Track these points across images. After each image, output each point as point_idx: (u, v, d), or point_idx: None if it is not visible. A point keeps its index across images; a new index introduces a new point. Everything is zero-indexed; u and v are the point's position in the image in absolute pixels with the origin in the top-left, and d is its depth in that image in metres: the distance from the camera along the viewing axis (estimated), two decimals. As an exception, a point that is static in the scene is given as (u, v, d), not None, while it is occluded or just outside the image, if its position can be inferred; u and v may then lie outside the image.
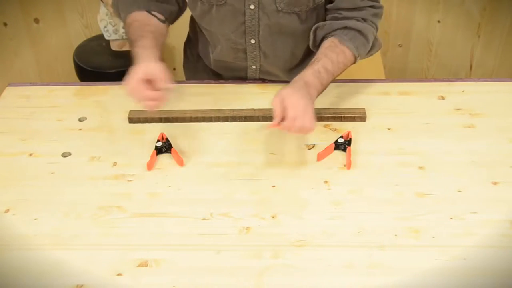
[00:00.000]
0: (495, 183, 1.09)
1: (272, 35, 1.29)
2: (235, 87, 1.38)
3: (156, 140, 1.18)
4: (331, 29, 1.23)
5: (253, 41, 1.30)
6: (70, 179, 1.12)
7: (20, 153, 1.18)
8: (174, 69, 2.34)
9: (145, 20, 1.25)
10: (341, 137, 1.18)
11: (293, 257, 0.94)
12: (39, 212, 1.04)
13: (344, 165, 1.14)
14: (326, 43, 1.22)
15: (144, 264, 0.94)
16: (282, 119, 1.05)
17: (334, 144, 1.17)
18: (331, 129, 1.24)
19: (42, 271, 0.93)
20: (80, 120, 1.27)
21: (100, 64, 2.09)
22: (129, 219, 1.02)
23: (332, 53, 1.19)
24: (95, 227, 1.01)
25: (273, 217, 1.02)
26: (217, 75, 1.46)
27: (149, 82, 1.08)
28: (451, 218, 1.01)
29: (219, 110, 1.27)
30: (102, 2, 2.02)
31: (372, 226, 1.00)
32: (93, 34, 2.33)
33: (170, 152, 1.16)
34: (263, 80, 1.40)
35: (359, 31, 1.22)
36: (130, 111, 1.28)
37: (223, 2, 1.22)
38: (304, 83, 1.11)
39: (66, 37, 2.36)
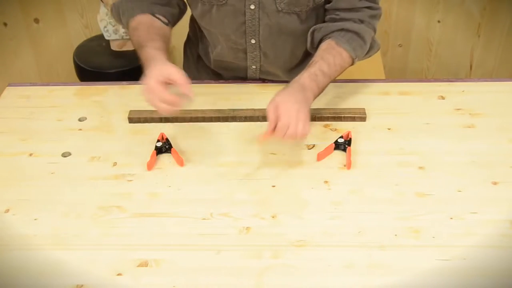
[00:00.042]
0: (495, 183, 1.09)
1: (272, 35, 1.29)
2: (235, 87, 1.38)
3: (156, 140, 1.18)
4: (328, 31, 1.24)
5: (253, 41, 1.30)
6: (70, 179, 1.12)
7: (20, 153, 1.18)
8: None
9: (151, 23, 1.25)
10: (341, 137, 1.18)
11: (293, 257, 0.94)
12: (39, 212, 1.04)
13: (344, 165, 1.14)
14: (324, 45, 1.22)
15: (144, 264, 0.94)
16: (276, 127, 1.05)
17: (334, 144, 1.17)
18: (331, 129, 1.24)
19: (42, 271, 0.93)
20: (80, 120, 1.27)
21: (100, 64, 2.09)
22: (129, 219, 1.02)
23: (329, 55, 1.19)
24: (95, 227, 1.01)
25: (273, 217, 1.02)
26: (217, 75, 1.46)
27: (166, 85, 1.07)
28: (451, 218, 1.01)
29: (219, 110, 1.27)
30: (102, 2, 2.02)
31: (372, 226, 1.00)
32: (93, 34, 2.33)
33: (170, 152, 1.16)
34: (263, 80, 1.40)
35: (356, 33, 1.22)
36: (130, 111, 1.28)
37: (223, 2, 1.22)
38: (300, 86, 1.12)
39: (66, 37, 2.36)
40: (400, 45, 2.40)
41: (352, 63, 1.24)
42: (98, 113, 1.30)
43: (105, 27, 2.08)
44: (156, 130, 1.22)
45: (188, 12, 1.37)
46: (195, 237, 0.99)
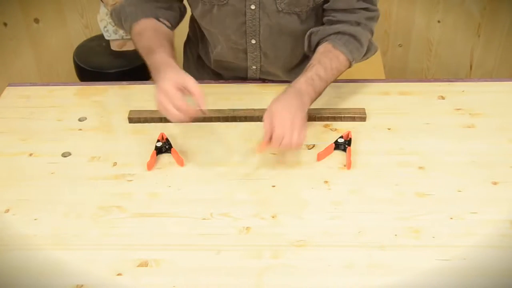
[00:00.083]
0: (495, 183, 1.09)
1: (273, 36, 1.29)
2: (235, 87, 1.38)
3: (156, 140, 1.18)
4: (325, 34, 1.24)
5: (253, 42, 1.30)
6: (70, 179, 1.12)
7: (20, 153, 1.18)
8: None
9: (157, 28, 1.24)
10: (341, 137, 1.18)
11: (293, 257, 0.94)
12: (39, 212, 1.04)
13: (344, 165, 1.14)
14: (321, 49, 1.22)
15: (144, 264, 0.94)
16: (271, 137, 1.06)
17: (334, 144, 1.17)
18: (331, 129, 1.24)
19: (42, 271, 0.93)
20: (80, 120, 1.27)
21: (100, 64, 2.09)
22: (129, 219, 1.02)
23: (325, 58, 1.20)
24: (95, 227, 1.01)
25: (273, 217, 1.02)
26: (217, 75, 1.46)
27: (182, 92, 1.06)
28: (451, 218, 1.01)
29: (219, 110, 1.27)
30: (102, 2, 2.02)
31: (372, 226, 1.00)
32: (93, 34, 2.33)
33: (170, 152, 1.16)
34: (263, 80, 1.40)
35: (353, 36, 1.22)
36: (130, 111, 1.28)
37: (224, 2, 1.22)
38: (297, 91, 1.12)
39: (66, 37, 2.36)
40: (400, 45, 2.40)
41: (350, 66, 1.25)
42: (98, 113, 1.30)
43: (105, 27, 2.07)
44: (156, 130, 1.22)
45: (188, 12, 1.37)
46: (195, 237, 0.99)
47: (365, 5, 1.23)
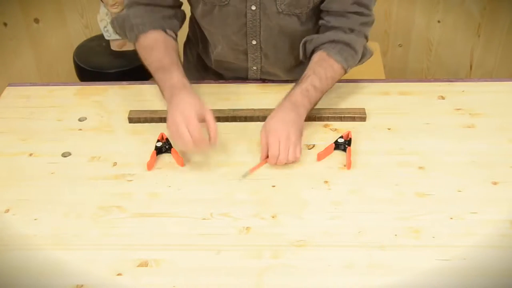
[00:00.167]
0: (495, 183, 1.09)
1: (273, 37, 1.29)
2: (235, 87, 1.38)
3: (156, 140, 1.18)
4: (319, 42, 1.24)
5: (254, 42, 1.30)
6: (70, 179, 1.12)
7: (20, 153, 1.18)
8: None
9: (167, 42, 1.24)
10: (341, 137, 1.18)
11: (293, 257, 0.94)
12: (39, 212, 1.04)
13: (344, 165, 1.14)
14: (315, 57, 1.23)
15: (144, 264, 0.94)
16: (267, 155, 1.11)
17: (334, 144, 1.17)
18: (331, 129, 1.24)
19: (42, 271, 0.93)
20: (80, 120, 1.27)
21: (100, 64, 2.09)
22: (129, 219, 1.02)
23: (320, 68, 1.21)
24: (95, 227, 1.01)
25: (273, 217, 1.02)
26: (217, 75, 1.46)
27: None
28: (451, 218, 1.01)
29: (219, 110, 1.27)
30: (102, 2, 2.02)
31: (372, 226, 1.00)
32: (93, 34, 2.33)
33: (170, 152, 1.16)
34: (263, 80, 1.40)
35: (347, 44, 1.23)
36: (130, 111, 1.28)
37: (225, 2, 1.22)
38: (292, 104, 1.15)
39: (66, 37, 2.36)
40: (400, 45, 2.40)
41: (345, 73, 1.26)
42: (98, 113, 1.30)
43: (105, 27, 2.07)
44: (156, 130, 1.22)
45: (188, 12, 1.37)
46: (195, 237, 0.99)
47: (359, 9, 1.23)
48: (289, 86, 1.24)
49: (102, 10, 2.07)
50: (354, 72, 1.33)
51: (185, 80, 1.16)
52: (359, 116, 1.26)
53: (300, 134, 1.13)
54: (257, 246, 0.97)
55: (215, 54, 1.37)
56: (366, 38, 1.27)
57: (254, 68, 1.37)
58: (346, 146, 1.16)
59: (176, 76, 1.16)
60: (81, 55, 2.14)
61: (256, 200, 1.06)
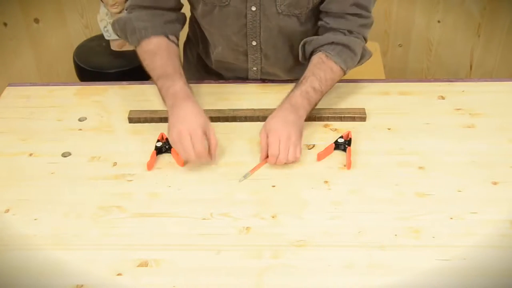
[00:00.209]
0: (495, 183, 1.09)
1: (273, 37, 1.29)
2: (235, 87, 1.38)
3: (156, 140, 1.18)
4: (318, 44, 1.25)
5: (254, 43, 1.30)
6: (70, 179, 1.12)
7: (20, 153, 1.18)
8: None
9: (169, 48, 1.24)
10: (341, 137, 1.18)
11: (293, 257, 0.94)
12: (39, 212, 1.04)
13: (344, 165, 1.14)
14: (314, 59, 1.23)
15: (144, 264, 0.94)
16: (267, 155, 1.11)
17: (334, 144, 1.17)
18: (331, 129, 1.24)
19: (42, 271, 0.93)
20: (80, 120, 1.27)
21: (100, 64, 2.08)
22: (129, 219, 1.02)
23: (319, 70, 1.21)
24: (95, 227, 1.01)
25: (273, 217, 1.02)
26: (217, 75, 1.45)
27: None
28: (451, 218, 1.01)
29: (219, 110, 1.27)
30: (102, 2, 2.02)
31: (372, 226, 1.00)
32: (93, 34, 2.33)
33: (170, 152, 1.16)
34: (263, 80, 1.40)
35: (346, 46, 1.23)
36: (130, 111, 1.28)
37: (226, 3, 1.22)
38: (292, 106, 1.15)
39: (66, 37, 2.36)
40: (400, 45, 2.40)
41: (344, 74, 1.26)
42: (98, 113, 1.30)
43: (105, 27, 2.07)
44: (156, 130, 1.22)
45: (188, 13, 1.37)
46: (195, 237, 0.99)
47: (358, 11, 1.23)
48: (289, 86, 1.24)
49: (102, 10, 2.07)
50: (354, 72, 1.33)
51: (187, 89, 1.17)
52: (359, 116, 1.26)
53: (300, 135, 1.14)
54: (257, 246, 0.97)
55: (215, 54, 1.37)
56: (365, 39, 1.27)
57: (254, 68, 1.37)
58: (346, 146, 1.16)
59: (178, 84, 1.17)
60: (81, 55, 2.14)
61: (256, 200, 1.06)
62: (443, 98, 1.33)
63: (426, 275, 0.91)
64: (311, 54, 1.26)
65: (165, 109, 1.22)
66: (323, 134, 1.22)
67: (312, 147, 1.18)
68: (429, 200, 1.05)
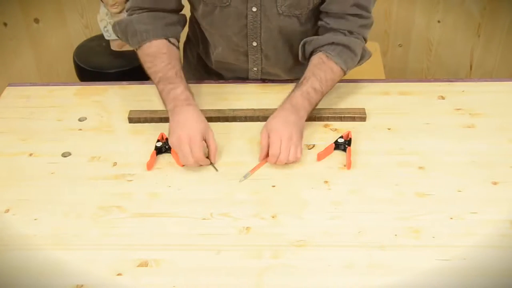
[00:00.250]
0: (495, 183, 1.09)
1: (273, 38, 1.29)
2: (235, 87, 1.38)
3: (156, 140, 1.18)
4: (318, 44, 1.25)
5: (254, 44, 1.30)
6: (70, 179, 1.12)
7: (20, 153, 1.18)
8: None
9: (170, 52, 1.24)
10: (341, 137, 1.18)
11: (293, 257, 0.94)
12: (39, 212, 1.04)
13: (344, 165, 1.14)
14: (315, 59, 1.23)
15: (144, 264, 0.94)
16: (268, 154, 1.12)
17: (334, 144, 1.17)
18: (331, 129, 1.24)
19: (42, 271, 0.93)
20: (80, 120, 1.27)
21: (100, 64, 2.09)
22: (129, 219, 1.02)
23: (319, 70, 1.21)
24: (95, 227, 1.01)
25: (273, 217, 1.02)
26: (217, 75, 1.45)
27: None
28: (451, 218, 1.01)
29: (219, 110, 1.27)
30: (102, 2, 2.02)
31: (372, 226, 1.00)
32: (93, 34, 2.33)
33: (170, 152, 1.16)
34: (263, 80, 1.40)
35: (346, 46, 1.23)
36: (130, 111, 1.28)
37: (227, 4, 1.22)
38: (293, 106, 1.16)
39: (66, 37, 2.36)
40: (400, 45, 2.40)
41: (344, 74, 1.26)
42: (98, 113, 1.30)
43: (105, 27, 2.07)
44: (156, 130, 1.22)
45: (188, 13, 1.37)
46: (195, 237, 0.99)
47: (358, 11, 1.23)
48: (289, 86, 1.24)
49: (102, 10, 2.06)
50: (354, 72, 1.33)
51: (188, 93, 1.18)
52: (359, 116, 1.26)
53: (301, 135, 1.14)
54: (257, 246, 0.97)
55: (216, 55, 1.37)
56: (365, 40, 1.28)
57: (255, 69, 1.37)
58: (346, 146, 1.16)
59: (179, 88, 1.17)
60: (81, 55, 2.14)
61: (256, 200, 1.06)
62: (443, 98, 1.33)
63: (426, 275, 0.91)
64: (311, 54, 1.26)
65: (165, 109, 1.23)
66: (323, 134, 1.22)
67: (312, 147, 1.18)
68: (429, 200, 1.05)
